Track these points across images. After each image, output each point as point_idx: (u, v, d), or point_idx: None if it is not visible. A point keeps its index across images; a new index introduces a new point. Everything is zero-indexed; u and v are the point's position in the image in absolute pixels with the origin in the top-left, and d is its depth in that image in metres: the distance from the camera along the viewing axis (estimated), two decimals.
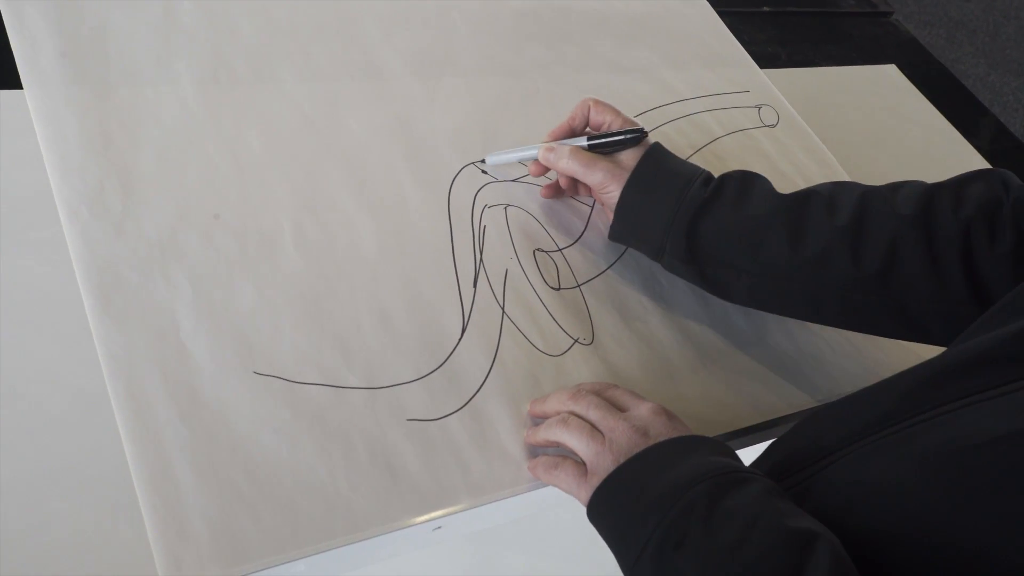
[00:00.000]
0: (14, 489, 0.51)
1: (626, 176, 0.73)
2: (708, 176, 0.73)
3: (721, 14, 1.12)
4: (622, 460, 0.57)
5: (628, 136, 0.74)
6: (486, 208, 0.77)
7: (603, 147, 0.75)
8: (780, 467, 0.62)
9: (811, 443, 0.61)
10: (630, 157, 0.74)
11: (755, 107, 1.02)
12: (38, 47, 0.70)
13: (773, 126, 1.01)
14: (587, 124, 0.79)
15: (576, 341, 0.72)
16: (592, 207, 0.82)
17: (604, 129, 0.77)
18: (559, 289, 0.75)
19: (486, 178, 0.80)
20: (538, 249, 0.77)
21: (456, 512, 0.60)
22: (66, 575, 0.50)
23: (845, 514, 0.53)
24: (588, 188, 0.78)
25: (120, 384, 0.56)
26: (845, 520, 0.52)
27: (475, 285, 0.72)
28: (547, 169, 0.78)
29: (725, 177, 0.73)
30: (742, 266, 0.71)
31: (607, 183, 0.73)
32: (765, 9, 1.20)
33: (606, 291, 0.76)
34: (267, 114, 0.75)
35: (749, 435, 0.73)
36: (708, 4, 1.13)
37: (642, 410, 0.61)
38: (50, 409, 0.55)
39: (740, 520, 0.51)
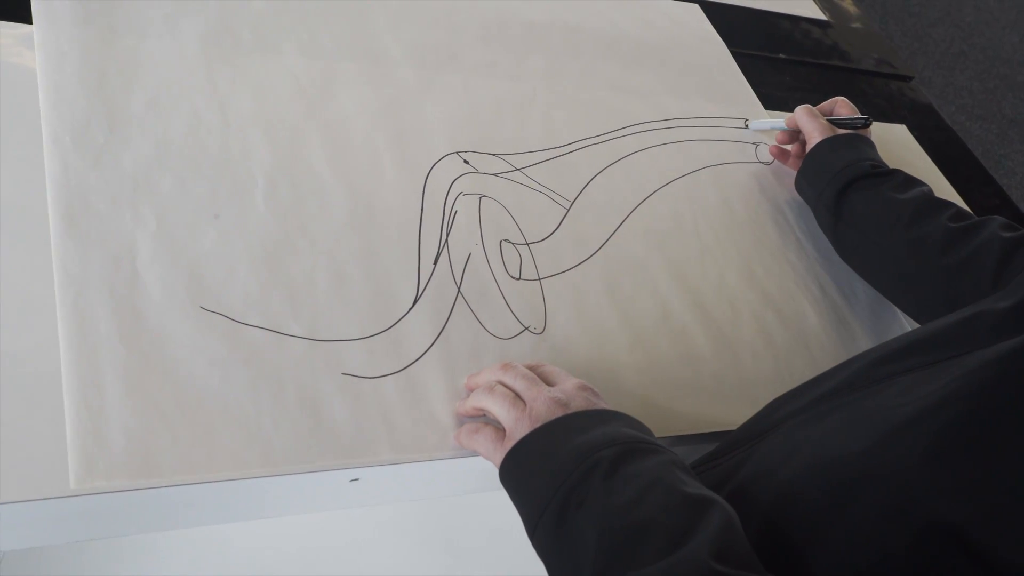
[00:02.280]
0: None
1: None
2: (886, 167, 0.91)
3: (736, 55, 1.14)
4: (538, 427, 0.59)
5: (862, 121, 0.96)
6: (461, 195, 0.80)
7: (840, 125, 0.96)
8: (717, 451, 0.64)
9: (760, 420, 0.65)
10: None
11: (753, 143, 1.04)
12: None
13: (768, 164, 1.02)
14: (831, 112, 0.99)
15: (527, 329, 0.73)
16: (568, 207, 0.84)
17: None
18: (519, 279, 0.76)
19: (466, 168, 0.82)
20: (505, 240, 0.79)
21: (374, 466, 0.61)
22: None
23: (779, 469, 0.55)
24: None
25: (68, 296, 0.59)
26: (778, 474, 0.55)
27: (435, 263, 0.74)
28: (793, 139, 1.00)
29: (898, 171, 0.90)
30: (870, 238, 0.87)
31: (817, 132, 0.94)
32: (781, 56, 1.22)
33: (566, 289, 0.78)
34: (262, 80, 0.78)
35: (685, 445, 0.73)
36: (722, 42, 1.15)
37: (567, 384, 0.63)
38: (1, 307, 0.58)
39: (639, 482, 0.52)
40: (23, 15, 0.72)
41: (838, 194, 0.89)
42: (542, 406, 0.60)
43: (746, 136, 1.04)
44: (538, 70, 0.96)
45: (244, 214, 0.69)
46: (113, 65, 0.72)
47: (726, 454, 0.64)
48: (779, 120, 1.01)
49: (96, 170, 0.66)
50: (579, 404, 0.61)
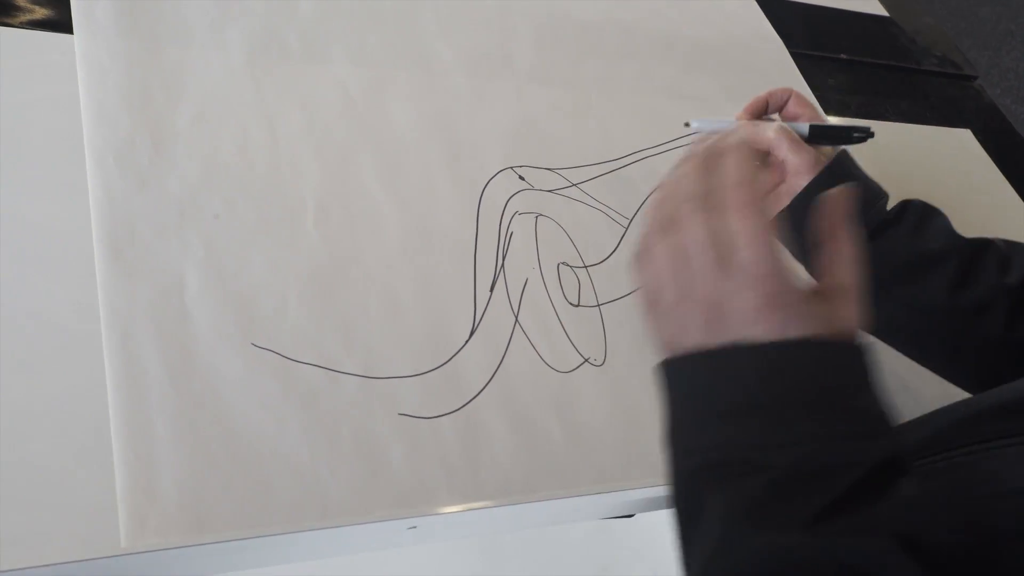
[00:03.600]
0: None
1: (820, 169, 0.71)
2: (887, 196, 0.74)
3: (794, 55, 1.10)
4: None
5: (858, 130, 0.75)
6: (517, 215, 0.76)
7: (825, 137, 0.75)
8: (925, 444, 0.59)
9: (951, 427, 0.57)
10: (824, 152, 0.74)
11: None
12: None
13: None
14: (780, 108, 0.78)
15: (587, 360, 0.70)
16: (627, 226, 0.80)
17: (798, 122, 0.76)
18: (578, 306, 0.73)
19: (522, 184, 0.78)
20: (563, 263, 0.75)
21: (433, 515, 0.58)
22: (25, 513, 0.49)
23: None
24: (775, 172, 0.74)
25: (115, 335, 0.56)
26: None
27: (492, 290, 0.70)
28: None
29: (908, 204, 0.73)
30: (894, 292, 0.70)
31: (805, 170, 0.71)
32: (842, 56, 1.17)
33: (626, 314, 0.74)
34: (311, 92, 0.75)
35: None
36: (781, 41, 1.10)
37: (746, 272, 0.43)
38: (45, 347, 0.55)
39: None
40: (63, 25, 0.69)
41: None
42: (691, 310, 0.44)
43: None
44: (593, 75, 0.92)
45: (294, 240, 0.66)
46: (157, 78, 0.69)
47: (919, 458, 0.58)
48: (726, 121, 0.78)
49: (141, 195, 0.63)
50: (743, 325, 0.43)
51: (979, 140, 1.16)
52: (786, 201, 0.72)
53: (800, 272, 0.70)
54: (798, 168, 0.71)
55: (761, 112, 0.78)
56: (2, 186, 0.59)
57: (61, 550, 0.48)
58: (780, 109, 0.78)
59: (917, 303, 0.70)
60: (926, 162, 1.12)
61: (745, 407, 0.41)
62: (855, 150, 0.95)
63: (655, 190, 0.50)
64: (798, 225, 0.68)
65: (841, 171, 0.72)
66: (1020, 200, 1.12)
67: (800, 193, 0.71)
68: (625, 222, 0.81)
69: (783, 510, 0.39)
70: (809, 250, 0.62)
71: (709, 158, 0.46)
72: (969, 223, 1.08)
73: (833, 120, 1.02)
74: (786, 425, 0.40)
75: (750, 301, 0.41)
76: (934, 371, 0.76)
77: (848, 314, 0.43)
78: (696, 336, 0.43)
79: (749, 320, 0.41)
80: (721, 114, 0.96)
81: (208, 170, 0.66)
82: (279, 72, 0.74)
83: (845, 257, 0.44)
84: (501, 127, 0.81)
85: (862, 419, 0.41)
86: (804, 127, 0.75)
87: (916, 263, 0.70)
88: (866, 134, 0.75)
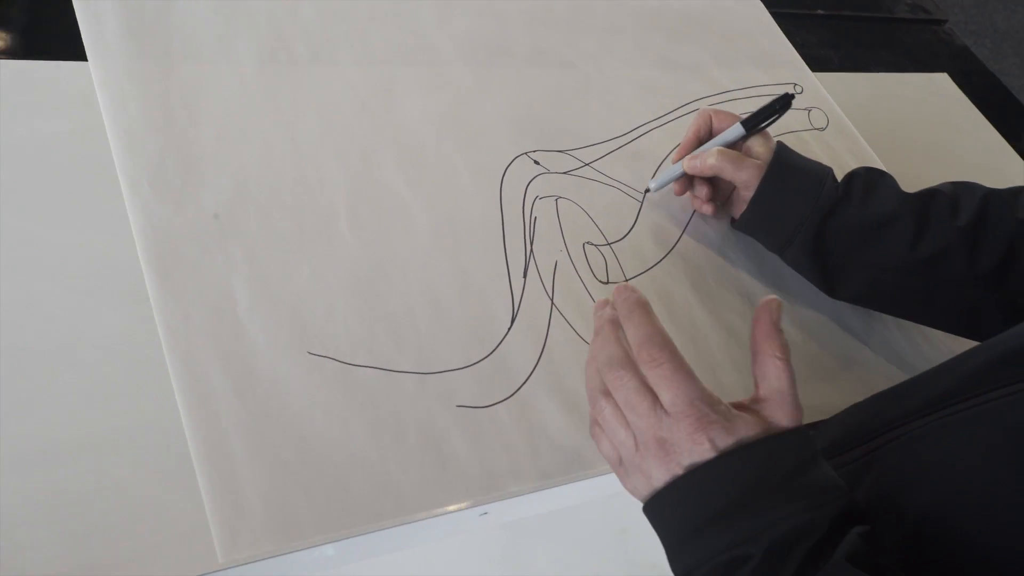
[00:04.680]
0: (76, 456, 0.52)
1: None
2: (832, 173, 0.77)
3: (774, 15, 1.11)
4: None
5: (779, 103, 0.77)
6: (537, 199, 0.77)
7: (759, 123, 0.78)
8: (836, 444, 0.63)
9: (869, 420, 0.62)
10: (762, 154, 0.77)
11: (805, 109, 1.01)
12: (103, 21, 0.71)
13: (822, 129, 1.00)
14: (711, 133, 0.81)
15: None
16: (641, 200, 0.82)
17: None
18: (607, 283, 0.75)
19: (537, 169, 0.80)
20: (587, 242, 0.77)
21: (503, 499, 0.60)
22: (125, 541, 0.50)
23: (906, 493, 0.54)
24: (720, 188, 0.82)
25: (178, 357, 0.57)
26: (906, 499, 0.53)
27: (525, 276, 0.72)
28: (688, 188, 0.81)
29: (853, 175, 0.77)
30: (863, 260, 0.75)
31: (753, 179, 0.76)
32: (819, 12, 1.19)
33: (653, 287, 0.76)
34: (324, 96, 0.75)
35: None
36: (761, 4, 1.12)
37: (679, 426, 0.51)
38: (112, 377, 0.56)
39: None
40: (73, 52, 0.69)
41: (815, 240, 0.75)
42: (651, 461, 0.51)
43: (797, 103, 1.01)
44: (588, 52, 0.93)
45: (332, 245, 0.67)
46: (176, 97, 0.69)
47: (837, 454, 0.63)
48: (673, 169, 0.81)
49: (180, 215, 0.63)
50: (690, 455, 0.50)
51: (956, 83, 1.19)
52: (743, 205, 0.78)
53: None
54: (747, 182, 0.76)
55: (695, 145, 0.81)
56: (44, 220, 0.60)
57: (164, 572, 0.50)
58: (710, 131, 0.81)
59: (883, 264, 0.75)
60: (911, 109, 1.15)
61: (715, 516, 0.48)
62: (860, 119, 0.98)
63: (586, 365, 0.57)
64: (761, 225, 0.78)
65: (781, 167, 0.76)
66: (1001, 137, 1.15)
67: (752, 199, 0.76)
68: (639, 196, 0.83)
69: None
70: (781, 244, 0.77)
71: (616, 324, 0.55)
72: (956, 164, 1.12)
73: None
74: (754, 517, 0.47)
75: (684, 431, 0.49)
76: (919, 323, 0.81)
77: (783, 415, 0.50)
78: (659, 475, 0.50)
79: (687, 447, 0.49)
80: (716, 83, 0.98)
81: (239, 185, 0.67)
82: (290, 79, 0.75)
83: (775, 366, 0.51)
84: (509, 114, 0.83)
85: (813, 492, 0.48)
86: (738, 128, 0.79)
87: (873, 228, 0.74)
88: (787, 99, 0.78)
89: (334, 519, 0.55)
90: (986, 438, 0.53)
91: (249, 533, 0.52)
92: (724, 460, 0.48)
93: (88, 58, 0.68)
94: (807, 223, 0.74)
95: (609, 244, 0.78)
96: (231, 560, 0.51)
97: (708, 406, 0.49)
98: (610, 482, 0.65)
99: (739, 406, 0.51)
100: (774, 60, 1.06)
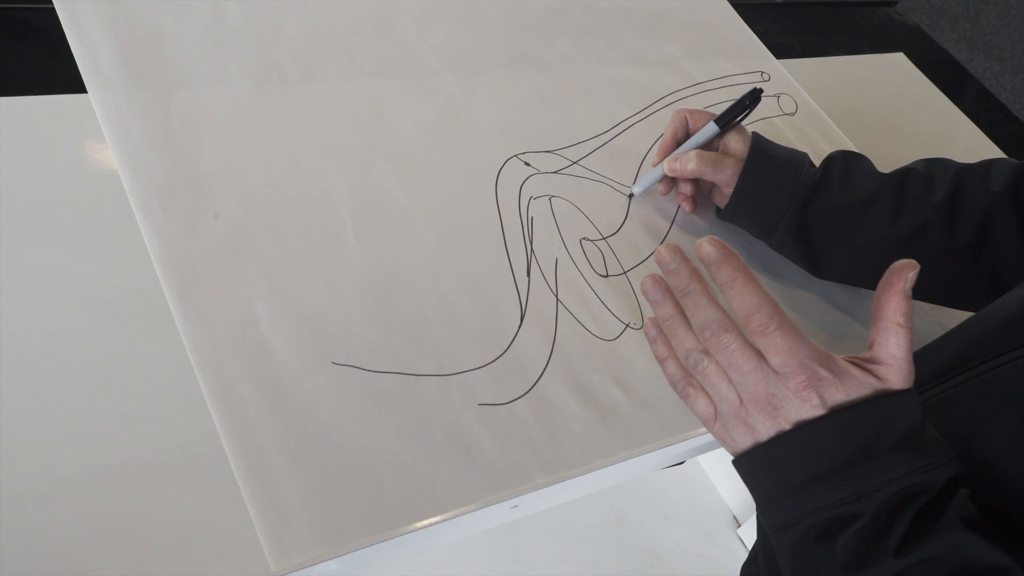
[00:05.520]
0: (124, 478, 0.53)
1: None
2: (808, 158, 0.80)
3: (736, 7, 1.15)
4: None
5: (749, 98, 0.81)
6: (532, 199, 0.80)
7: (731, 119, 0.82)
8: None
9: None
10: (740, 148, 0.80)
11: (774, 96, 1.05)
12: (97, 52, 0.71)
13: (792, 114, 1.04)
14: (688, 132, 0.84)
15: (627, 326, 0.74)
16: (630, 194, 0.85)
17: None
18: (607, 276, 0.77)
19: (529, 170, 0.82)
20: (584, 238, 0.79)
21: (532, 490, 0.62)
22: (179, 559, 0.52)
23: None
24: (703, 184, 0.84)
25: (210, 378, 0.58)
26: None
27: (528, 274, 0.74)
28: (673, 187, 0.85)
29: (830, 159, 0.80)
30: (846, 240, 0.78)
31: (733, 178, 0.79)
32: (777, 1, 1.23)
33: None
34: (318, 112, 0.77)
35: None
36: None
37: (787, 383, 0.51)
38: (148, 401, 0.57)
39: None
40: (72, 85, 0.70)
41: (799, 223, 0.79)
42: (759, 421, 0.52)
43: (766, 90, 1.05)
44: (565, 54, 0.96)
45: (342, 257, 0.68)
46: (176, 122, 0.70)
47: None
48: (655, 171, 0.84)
49: (194, 238, 0.64)
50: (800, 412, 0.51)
51: (912, 61, 1.23)
52: (727, 196, 0.81)
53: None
54: (727, 180, 0.80)
55: (674, 146, 0.84)
56: (63, 252, 0.61)
57: None
58: (687, 131, 0.85)
59: (865, 243, 0.78)
60: (871, 89, 1.19)
61: (823, 473, 0.49)
62: (825, 103, 1.02)
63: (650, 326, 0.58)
64: (745, 213, 0.80)
65: (759, 158, 0.79)
66: (958, 110, 1.20)
67: (734, 192, 0.79)
68: (626, 190, 0.85)
69: (878, 549, 0.47)
70: (766, 231, 0.80)
71: (705, 284, 0.54)
72: (916, 136, 1.16)
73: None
74: (866, 476, 0.48)
75: (792, 388, 0.50)
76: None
77: (897, 379, 0.50)
78: (764, 429, 0.51)
79: (795, 403, 0.50)
80: (688, 76, 1.01)
81: (246, 204, 0.68)
82: (284, 97, 0.76)
83: (897, 332, 0.50)
84: (496, 118, 0.85)
85: (928, 453, 0.49)
86: (712, 127, 0.82)
87: (853, 209, 0.78)
88: (756, 93, 0.82)
89: (376, 520, 0.56)
90: (992, 405, 0.56)
91: (297, 541, 0.53)
92: (835, 417, 0.49)
93: (88, 90, 0.69)
94: (789, 209, 0.78)
95: (604, 239, 0.80)
96: (282, 569, 0.52)
97: (819, 364, 0.49)
98: (628, 468, 0.68)
99: (852, 361, 0.51)
100: (740, 50, 1.09)
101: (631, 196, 0.86)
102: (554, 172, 0.83)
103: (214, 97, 0.73)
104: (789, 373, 0.49)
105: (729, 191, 0.80)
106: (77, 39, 0.71)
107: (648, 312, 0.76)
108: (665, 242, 0.55)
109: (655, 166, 0.84)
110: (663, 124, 0.93)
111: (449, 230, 0.74)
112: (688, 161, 0.80)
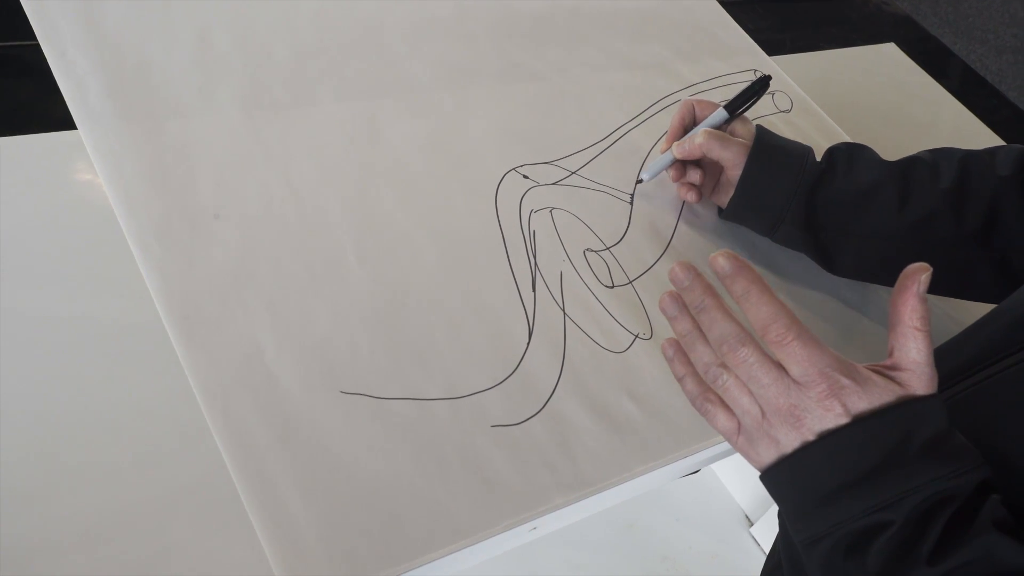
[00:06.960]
0: (135, 523, 0.52)
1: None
2: (811, 150, 0.80)
3: (724, 5, 1.14)
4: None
5: (759, 84, 0.83)
6: (532, 213, 0.79)
7: (741, 105, 0.83)
8: None
9: None
10: (745, 135, 0.81)
11: (769, 93, 1.04)
12: (84, 87, 0.70)
13: (788, 111, 1.03)
14: (695, 121, 0.85)
15: (636, 336, 0.73)
16: (631, 201, 0.84)
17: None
18: (613, 287, 0.76)
19: (527, 183, 0.81)
20: (588, 249, 0.78)
21: (551, 511, 0.61)
22: None
23: None
24: (708, 174, 0.84)
25: (217, 415, 0.57)
26: None
27: (534, 289, 0.73)
28: (683, 174, 0.84)
29: (834, 150, 0.80)
30: (853, 231, 0.77)
31: (739, 157, 0.78)
32: None
33: (657, 285, 0.78)
34: (311, 135, 0.76)
35: None
36: None
37: (808, 393, 0.50)
38: (157, 440, 0.56)
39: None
40: (69, 121, 0.68)
41: (806, 213, 0.78)
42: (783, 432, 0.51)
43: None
44: (556, 63, 0.95)
45: (346, 282, 0.67)
46: (169, 154, 0.69)
47: None
48: (664, 157, 0.84)
49: (193, 271, 0.63)
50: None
51: (903, 50, 1.23)
52: (730, 190, 0.80)
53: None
54: (733, 160, 0.79)
55: (681, 133, 0.85)
56: (61, 294, 0.60)
57: None
58: (694, 120, 0.85)
59: (874, 233, 0.77)
60: (865, 81, 1.19)
61: (850, 482, 0.48)
62: (819, 97, 1.01)
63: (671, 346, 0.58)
64: (751, 204, 0.79)
65: (764, 146, 0.79)
66: (951, 97, 1.19)
67: (740, 179, 0.79)
68: (627, 198, 0.84)
69: (911, 559, 0.46)
70: (772, 223, 0.79)
71: (719, 299, 0.53)
72: (916, 129, 1.15)
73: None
74: (894, 483, 0.47)
75: (814, 398, 0.49)
76: None
77: (919, 384, 0.49)
78: (789, 440, 0.50)
79: (818, 413, 0.49)
80: (682, 78, 1.00)
81: (245, 233, 0.67)
82: (276, 122, 0.75)
83: (916, 337, 0.49)
84: (491, 132, 0.84)
85: (956, 458, 0.48)
86: (722, 113, 0.83)
87: (860, 197, 0.77)
88: (765, 80, 0.83)
89: (395, 552, 0.55)
90: (1010, 403, 0.55)
91: None
92: (859, 425, 0.48)
93: (77, 125, 0.68)
94: (796, 197, 0.77)
95: (608, 248, 0.79)
96: None
97: (840, 373, 0.48)
98: (646, 481, 0.67)
99: (873, 369, 0.50)
100: (731, 49, 1.08)
101: (639, 182, 0.85)
102: (553, 183, 0.82)
103: (206, 126, 0.72)
104: (810, 383, 0.49)
105: (735, 175, 0.79)
106: (64, 74, 0.70)
107: (656, 321, 0.75)
108: (678, 260, 0.54)
109: (663, 152, 0.84)
110: (660, 128, 0.92)
111: (451, 248, 0.73)
112: (696, 136, 0.80)
